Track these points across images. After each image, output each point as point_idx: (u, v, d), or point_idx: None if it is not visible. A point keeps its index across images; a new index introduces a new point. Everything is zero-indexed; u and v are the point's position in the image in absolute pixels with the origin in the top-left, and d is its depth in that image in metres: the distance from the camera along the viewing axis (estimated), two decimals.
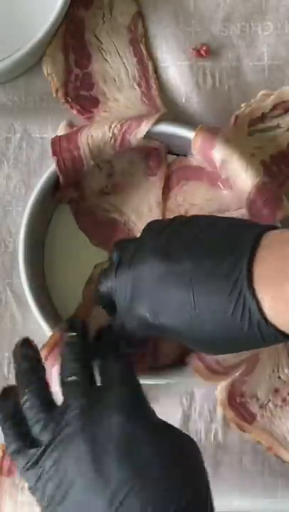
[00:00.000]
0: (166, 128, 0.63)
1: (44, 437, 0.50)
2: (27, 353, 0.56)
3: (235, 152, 0.61)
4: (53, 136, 0.66)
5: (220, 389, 0.64)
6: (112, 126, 0.63)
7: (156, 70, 0.67)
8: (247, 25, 0.68)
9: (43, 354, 0.60)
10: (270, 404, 0.65)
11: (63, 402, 0.51)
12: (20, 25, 0.64)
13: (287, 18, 0.68)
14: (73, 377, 0.52)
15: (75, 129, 0.65)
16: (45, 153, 0.66)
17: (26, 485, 0.52)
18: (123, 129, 0.63)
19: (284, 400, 0.65)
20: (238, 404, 0.65)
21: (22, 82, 0.67)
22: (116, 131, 0.63)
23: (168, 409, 0.65)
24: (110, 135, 0.63)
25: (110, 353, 0.54)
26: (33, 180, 0.66)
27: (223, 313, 0.48)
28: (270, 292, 0.47)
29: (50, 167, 0.64)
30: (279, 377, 0.65)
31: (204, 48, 0.67)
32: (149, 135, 0.63)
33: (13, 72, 0.66)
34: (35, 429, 0.51)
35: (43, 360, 0.59)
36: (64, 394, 0.52)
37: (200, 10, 0.68)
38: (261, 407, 0.65)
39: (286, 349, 0.65)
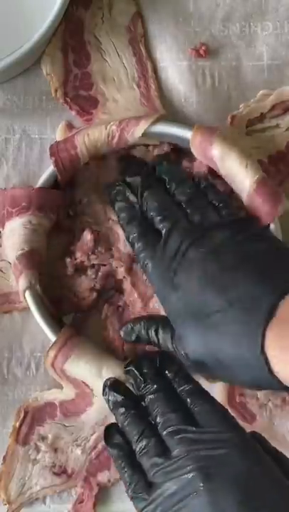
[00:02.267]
0: (165, 127, 0.63)
1: (158, 479, 0.51)
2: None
3: (234, 149, 0.61)
4: (53, 136, 0.66)
5: (219, 388, 0.64)
6: (111, 123, 0.63)
7: (155, 70, 0.67)
8: (246, 25, 0.68)
9: (53, 351, 0.61)
10: (270, 404, 0.65)
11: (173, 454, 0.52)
12: (19, 25, 0.64)
13: (287, 18, 0.68)
14: (173, 428, 0.53)
15: (73, 131, 0.65)
16: (44, 154, 0.66)
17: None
18: (121, 126, 0.63)
19: (284, 400, 0.65)
20: (238, 404, 0.65)
21: (21, 82, 0.67)
22: (114, 127, 0.63)
23: None
24: (107, 132, 0.63)
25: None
26: (32, 180, 0.66)
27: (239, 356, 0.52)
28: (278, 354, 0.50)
29: (49, 168, 0.64)
30: None
31: (203, 48, 0.67)
32: (147, 134, 0.63)
33: (12, 71, 0.66)
34: (149, 474, 0.53)
35: (53, 357, 0.61)
36: (169, 442, 0.53)
37: (199, 10, 0.68)
38: (261, 407, 0.65)
39: None
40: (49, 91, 0.66)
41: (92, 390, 0.63)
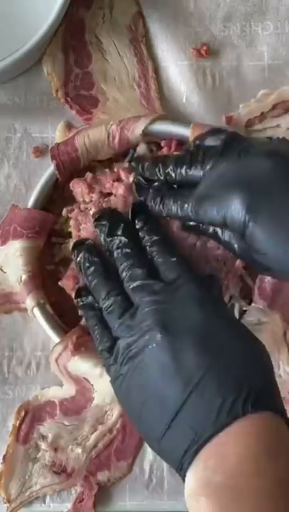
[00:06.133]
0: (165, 126, 0.63)
1: (121, 334, 0.52)
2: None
3: None
4: (53, 135, 0.66)
5: None
6: (110, 123, 0.63)
7: (156, 70, 0.67)
8: (247, 25, 0.68)
9: (60, 348, 0.61)
10: None
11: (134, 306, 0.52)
12: (20, 25, 0.64)
13: (288, 18, 0.68)
14: (137, 282, 0.52)
15: (72, 131, 0.65)
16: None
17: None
18: (121, 125, 0.63)
19: (283, 399, 0.64)
20: None
21: (22, 81, 0.67)
22: (114, 126, 0.63)
23: None
24: (108, 132, 0.63)
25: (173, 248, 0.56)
26: (33, 179, 0.66)
27: None
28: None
29: (51, 167, 0.64)
30: (280, 376, 0.65)
31: (204, 48, 0.67)
32: (147, 133, 0.63)
33: (14, 71, 0.66)
34: (114, 330, 0.53)
35: (59, 353, 0.61)
36: (133, 297, 0.52)
37: (200, 10, 0.68)
38: None
39: (286, 344, 0.65)
40: (50, 91, 0.67)
41: (92, 385, 0.63)
